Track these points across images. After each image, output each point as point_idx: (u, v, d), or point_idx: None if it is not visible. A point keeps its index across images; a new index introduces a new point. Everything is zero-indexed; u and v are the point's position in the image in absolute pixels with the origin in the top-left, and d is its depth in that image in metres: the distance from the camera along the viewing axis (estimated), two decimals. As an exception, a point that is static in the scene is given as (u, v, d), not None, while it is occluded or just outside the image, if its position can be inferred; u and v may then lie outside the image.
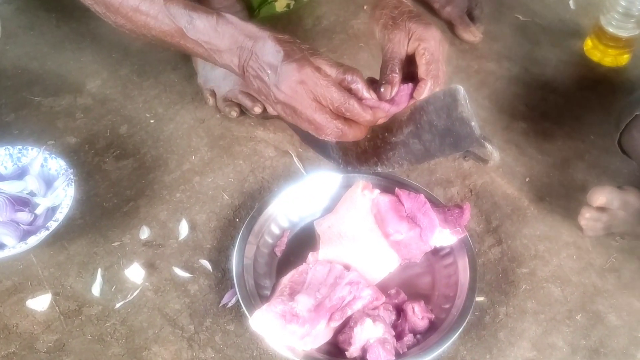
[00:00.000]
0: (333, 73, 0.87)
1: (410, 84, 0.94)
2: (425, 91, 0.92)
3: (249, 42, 0.88)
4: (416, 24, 0.94)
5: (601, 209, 1.02)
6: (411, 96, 0.94)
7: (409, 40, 0.94)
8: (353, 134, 0.89)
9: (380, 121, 0.92)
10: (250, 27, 0.89)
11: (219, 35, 0.90)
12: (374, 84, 0.96)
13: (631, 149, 1.05)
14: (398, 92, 0.93)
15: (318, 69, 0.85)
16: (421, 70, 0.94)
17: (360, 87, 0.88)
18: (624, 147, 1.06)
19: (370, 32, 1.36)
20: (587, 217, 1.04)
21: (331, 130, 0.87)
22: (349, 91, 0.87)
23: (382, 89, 0.92)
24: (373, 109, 0.88)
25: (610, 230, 1.06)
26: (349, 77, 0.87)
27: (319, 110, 0.86)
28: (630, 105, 1.03)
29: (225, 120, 1.20)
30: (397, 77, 0.93)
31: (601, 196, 1.01)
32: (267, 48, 0.87)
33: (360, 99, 0.87)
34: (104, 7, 0.93)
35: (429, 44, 0.93)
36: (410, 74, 0.96)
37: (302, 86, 0.85)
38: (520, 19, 1.47)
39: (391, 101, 0.92)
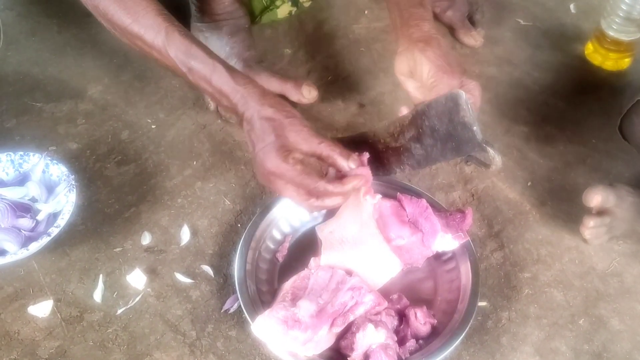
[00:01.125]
0: (307, 147, 0.87)
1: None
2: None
3: (241, 107, 0.89)
4: (468, 78, 0.93)
5: (601, 212, 1.02)
6: None
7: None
8: (332, 204, 0.89)
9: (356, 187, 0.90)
10: (242, 92, 0.88)
11: (217, 90, 0.90)
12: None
13: (630, 134, 1.04)
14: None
15: (286, 158, 0.85)
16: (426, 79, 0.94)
17: (338, 162, 0.88)
18: (623, 132, 1.06)
19: (371, 36, 1.38)
20: (591, 226, 1.03)
21: (307, 206, 0.89)
22: (327, 161, 0.88)
23: None
24: (350, 181, 0.87)
25: (612, 233, 1.05)
26: (324, 154, 0.87)
27: (293, 192, 0.87)
28: (633, 90, 1.02)
29: (226, 125, 1.20)
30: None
31: (596, 195, 1.01)
32: (252, 123, 0.88)
33: (338, 170, 0.89)
34: (110, 25, 0.93)
35: (476, 99, 0.92)
36: None
37: (273, 175, 0.86)
38: (521, 23, 1.47)
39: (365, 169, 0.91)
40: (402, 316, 0.94)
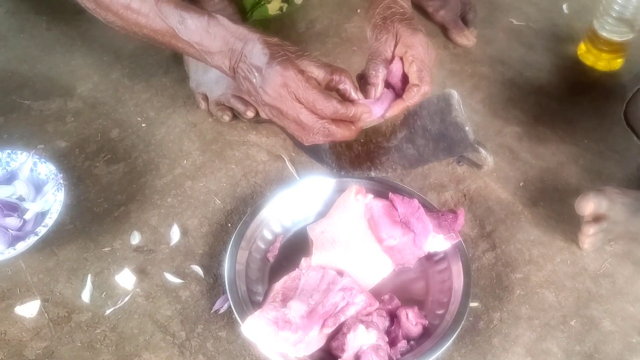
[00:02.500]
0: (320, 74, 0.87)
1: (391, 91, 0.94)
2: (416, 95, 0.92)
3: (239, 43, 0.89)
4: (405, 27, 0.94)
5: (596, 218, 1.01)
6: (394, 99, 0.94)
7: (396, 43, 0.94)
8: (341, 134, 0.88)
9: (368, 121, 0.91)
10: (241, 29, 0.89)
11: (210, 37, 0.89)
12: (363, 79, 0.95)
13: (635, 119, 1.03)
14: (382, 95, 0.93)
15: (301, 72, 0.85)
16: (412, 77, 0.93)
17: (348, 88, 0.88)
18: (628, 117, 1.05)
19: (363, 34, 1.37)
20: (591, 234, 1.02)
21: (318, 129, 0.87)
22: (337, 92, 0.88)
23: (366, 89, 0.92)
24: (356, 105, 0.87)
25: (608, 237, 1.05)
26: (336, 78, 0.87)
27: (304, 110, 0.86)
28: (637, 76, 1.01)
29: (217, 124, 1.19)
30: (380, 76, 0.92)
31: (589, 203, 1.00)
32: (255, 50, 0.87)
33: (347, 99, 0.88)
34: (94, 4, 0.93)
35: (417, 51, 0.93)
36: (402, 76, 0.95)
37: (285, 89, 0.85)
38: (514, 23, 1.47)
39: (376, 101, 0.91)
40: (394, 317, 0.94)
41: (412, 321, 0.92)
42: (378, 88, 0.92)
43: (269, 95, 0.87)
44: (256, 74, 0.87)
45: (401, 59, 0.94)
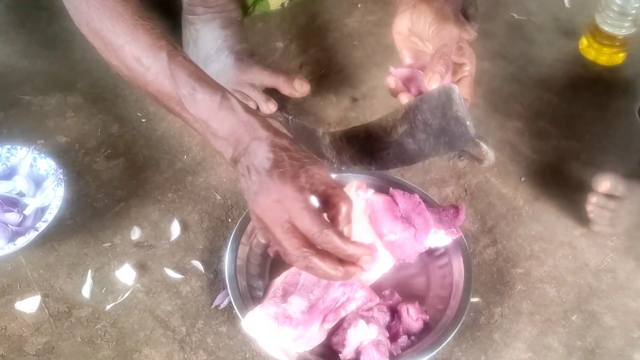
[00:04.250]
0: (322, 185, 0.77)
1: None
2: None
3: (247, 137, 0.80)
4: (467, 44, 0.93)
5: (608, 196, 1.01)
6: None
7: (460, 47, 0.92)
8: (324, 271, 0.75)
9: (364, 270, 0.77)
10: (253, 121, 0.80)
11: (219, 120, 0.81)
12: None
13: None
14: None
15: (301, 190, 0.74)
16: (465, 92, 0.92)
17: (345, 205, 0.76)
18: None
19: (364, 29, 1.36)
20: (594, 202, 1.01)
21: (297, 257, 0.74)
22: (331, 219, 0.76)
23: (427, 79, 0.87)
24: (357, 246, 0.75)
25: (616, 224, 1.04)
26: (340, 207, 0.76)
27: (290, 233, 0.74)
28: None
29: (217, 119, 1.19)
30: (444, 71, 0.88)
31: (605, 181, 0.99)
32: (260, 151, 0.78)
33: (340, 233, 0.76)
34: (102, 43, 0.85)
35: (472, 68, 0.92)
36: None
37: (277, 204, 0.75)
38: (515, 18, 1.46)
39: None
40: (394, 312, 0.93)
41: (412, 316, 0.91)
42: (440, 79, 0.87)
43: (259, 206, 0.77)
44: (254, 178, 0.78)
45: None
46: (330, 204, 0.77)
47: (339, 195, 0.77)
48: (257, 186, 0.77)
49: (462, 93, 0.89)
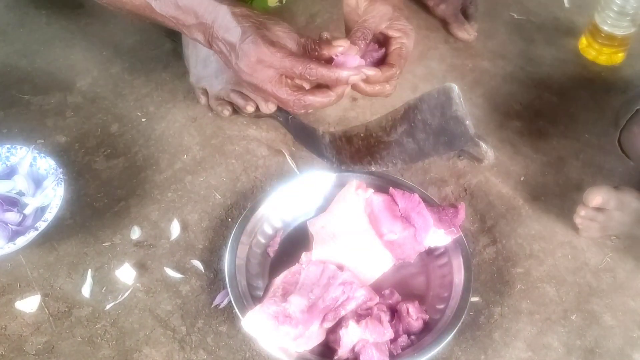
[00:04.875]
0: (292, 44, 0.86)
1: (383, 50, 0.93)
2: (388, 72, 0.91)
3: (209, 17, 0.88)
4: (404, 19, 0.95)
5: (597, 209, 1.02)
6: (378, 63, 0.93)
7: (392, 24, 0.94)
8: (320, 102, 0.86)
9: (350, 80, 0.86)
10: (208, 1, 0.87)
11: (182, 11, 0.89)
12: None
13: (631, 146, 1.03)
14: (365, 54, 0.91)
15: (272, 44, 0.84)
16: (393, 58, 0.93)
17: (325, 51, 0.86)
18: (623, 145, 1.04)
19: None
20: (582, 215, 1.03)
21: (293, 102, 0.86)
22: (314, 57, 0.86)
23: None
24: (340, 68, 0.85)
25: (607, 232, 1.05)
26: (310, 45, 0.86)
27: (279, 84, 0.85)
28: (629, 102, 1.01)
29: (217, 119, 1.19)
30: (363, 44, 0.92)
31: (597, 196, 1.00)
32: (225, 24, 0.86)
33: (321, 62, 0.85)
34: None
35: (409, 42, 0.93)
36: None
37: (259, 65, 0.84)
38: (515, 17, 1.46)
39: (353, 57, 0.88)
40: (394, 311, 0.93)
41: (412, 316, 0.91)
42: (359, 49, 0.90)
43: (245, 72, 0.86)
44: (231, 51, 0.86)
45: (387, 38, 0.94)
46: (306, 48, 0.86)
47: (308, 38, 0.86)
48: (236, 56, 0.85)
49: (391, 58, 0.92)
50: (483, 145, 0.87)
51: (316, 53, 0.86)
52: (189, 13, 0.89)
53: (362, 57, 0.90)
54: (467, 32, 1.38)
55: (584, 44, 1.38)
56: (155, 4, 0.90)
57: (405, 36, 0.93)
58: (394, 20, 0.94)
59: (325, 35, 0.92)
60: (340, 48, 0.86)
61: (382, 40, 0.95)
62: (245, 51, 0.84)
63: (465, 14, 1.40)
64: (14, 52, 1.27)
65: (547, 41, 1.41)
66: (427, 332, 0.91)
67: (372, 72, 0.88)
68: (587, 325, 0.98)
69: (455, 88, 0.85)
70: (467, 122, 0.84)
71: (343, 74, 0.84)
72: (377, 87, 0.91)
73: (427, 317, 0.93)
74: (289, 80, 0.85)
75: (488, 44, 1.39)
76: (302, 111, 0.87)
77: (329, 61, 0.86)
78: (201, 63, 1.17)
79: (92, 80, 1.24)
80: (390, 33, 0.94)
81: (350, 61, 0.86)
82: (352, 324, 0.87)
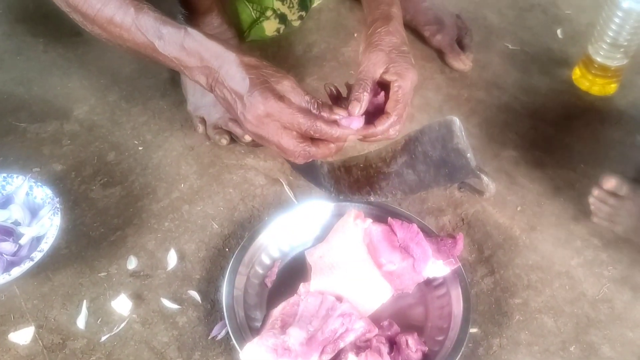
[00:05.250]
0: (298, 100, 0.87)
1: (382, 93, 0.94)
2: (385, 125, 0.92)
3: (215, 62, 0.89)
4: (401, 59, 0.95)
5: (611, 193, 1.04)
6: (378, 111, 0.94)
7: (389, 69, 0.94)
8: (322, 153, 0.90)
9: (350, 138, 0.91)
10: (216, 46, 0.89)
11: (187, 53, 0.90)
12: (340, 99, 0.96)
13: None
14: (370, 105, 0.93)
15: (281, 98, 0.86)
16: (390, 105, 0.93)
17: (326, 114, 0.88)
18: None
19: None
20: (595, 195, 1.05)
21: (298, 152, 0.89)
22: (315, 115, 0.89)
23: (350, 105, 0.92)
24: (342, 128, 0.88)
25: (615, 221, 1.06)
26: (313, 107, 0.88)
27: (286, 136, 0.87)
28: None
29: (215, 147, 1.19)
30: (367, 96, 0.92)
31: (612, 179, 1.03)
32: (232, 73, 0.87)
33: (327, 120, 0.88)
34: (80, 16, 0.93)
35: (405, 84, 0.93)
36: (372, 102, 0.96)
37: (268, 118, 0.86)
38: (509, 48, 1.48)
39: (356, 118, 0.91)
40: (393, 343, 0.93)
41: (412, 348, 0.91)
42: (362, 105, 0.92)
43: (251, 123, 0.88)
44: (237, 99, 0.88)
45: (385, 86, 0.94)
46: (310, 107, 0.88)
47: (312, 101, 0.88)
48: (243, 107, 0.87)
49: (388, 106, 0.93)
50: (484, 178, 0.87)
51: (318, 112, 0.88)
52: (193, 55, 0.89)
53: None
54: (462, 63, 1.39)
55: (578, 75, 1.40)
56: (159, 43, 0.90)
57: (400, 78, 0.93)
58: (390, 63, 0.94)
59: (329, 88, 0.96)
60: (338, 117, 0.89)
61: (385, 84, 0.96)
62: (254, 103, 0.86)
63: (461, 45, 1.42)
64: (11, 79, 1.27)
65: (541, 71, 1.43)
66: (427, 364, 0.91)
67: (368, 130, 0.91)
68: (585, 356, 0.98)
69: (457, 121, 0.85)
70: (469, 154, 0.85)
71: (344, 133, 0.89)
72: (379, 137, 0.93)
73: (426, 348, 0.92)
74: (294, 132, 0.88)
75: (483, 74, 1.41)
76: (304, 161, 0.90)
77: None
78: (199, 92, 1.18)
79: (89, 108, 1.24)
80: (387, 77, 0.94)
81: (352, 122, 0.90)
82: (351, 356, 0.86)
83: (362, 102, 0.92)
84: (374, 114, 0.92)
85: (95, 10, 0.91)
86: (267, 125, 0.87)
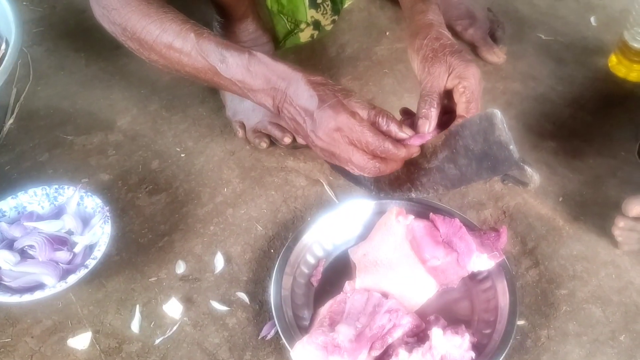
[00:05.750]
0: (365, 115, 0.88)
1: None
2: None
3: (282, 83, 0.89)
4: (457, 60, 0.94)
5: (637, 219, 1.00)
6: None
7: (449, 75, 0.94)
8: (390, 168, 0.91)
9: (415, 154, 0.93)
10: (283, 68, 0.90)
11: (252, 75, 0.90)
12: (408, 115, 0.96)
13: None
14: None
15: (353, 114, 0.86)
16: (460, 108, 0.93)
17: (394, 129, 0.89)
18: None
19: (393, 57, 1.38)
20: (621, 227, 1.02)
21: (369, 169, 0.89)
22: (382, 132, 0.89)
23: (419, 122, 0.93)
24: (407, 146, 0.90)
25: None
26: (381, 120, 0.89)
27: (357, 152, 0.88)
28: None
29: (255, 151, 1.21)
30: (434, 111, 0.93)
31: (637, 205, 0.99)
32: (301, 91, 0.88)
33: (394, 139, 0.89)
34: (137, 44, 0.95)
35: (469, 83, 0.93)
36: (445, 107, 0.96)
37: (338, 133, 0.87)
38: (543, 38, 1.47)
39: (424, 135, 0.93)
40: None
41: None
42: (432, 123, 0.92)
43: (322, 140, 0.89)
44: (306, 118, 0.88)
45: (451, 90, 0.95)
46: (376, 124, 0.88)
47: (380, 112, 0.88)
48: (313, 124, 0.87)
49: (459, 109, 0.93)
50: (528, 169, 0.87)
51: (385, 130, 0.89)
52: (259, 77, 0.90)
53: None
54: (496, 55, 1.39)
55: (614, 62, 1.38)
56: (222, 67, 0.91)
57: (463, 79, 0.93)
58: (450, 70, 0.94)
59: (402, 111, 0.98)
60: (405, 136, 0.90)
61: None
62: (324, 117, 0.86)
63: (494, 37, 1.41)
64: (56, 94, 1.31)
65: (576, 60, 1.41)
66: (475, 357, 0.91)
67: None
68: (636, 345, 0.97)
69: (498, 114, 0.85)
70: (511, 146, 0.84)
71: (411, 153, 0.91)
72: None
73: (474, 339, 0.92)
74: (363, 149, 0.88)
75: (518, 66, 1.40)
76: (374, 175, 0.92)
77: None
78: (237, 97, 1.19)
79: (132, 118, 1.27)
80: (450, 85, 0.95)
81: (421, 140, 0.92)
82: (402, 352, 0.87)
83: (430, 119, 0.92)
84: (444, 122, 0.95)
85: (154, 36, 0.92)
86: (337, 141, 0.87)
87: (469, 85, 0.93)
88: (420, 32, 0.99)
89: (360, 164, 0.89)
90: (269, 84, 0.90)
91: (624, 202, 1.01)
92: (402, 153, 0.89)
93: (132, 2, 0.94)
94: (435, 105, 0.93)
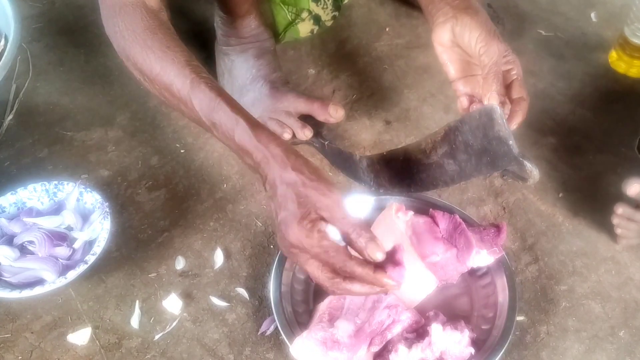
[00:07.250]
0: (333, 220, 0.76)
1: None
2: (525, 107, 0.93)
3: (264, 167, 0.81)
4: (508, 50, 0.93)
5: (637, 206, 0.99)
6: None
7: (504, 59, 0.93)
8: (356, 292, 0.77)
9: (390, 291, 0.80)
10: (264, 152, 0.80)
11: (238, 147, 0.84)
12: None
13: None
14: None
15: (310, 230, 0.75)
16: (516, 91, 0.93)
17: (366, 250, 0.75)
18: None
19: (393, 53, 1.38)
20: (619, 213, 1.00)
21: (331, 286, 0.78)
22: (353, 245, 0.76)
23: (485, 98, 0.90)
24: (378, 274, 0.75)
25: None
26: (353, 234, 0.76)
27: (317, 268, 0.77)
28: None
29: (254, 147, 1.21)
30: (502, 88, 0.91)
31: (636, 184, 0.97)
32: (274, 189, 0.79)
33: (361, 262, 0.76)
34: (140, 74, 0.91)
35: (519, 70, 0.93)
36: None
37: (294, 249, 0.77)
38: (543, 34, 1.46)
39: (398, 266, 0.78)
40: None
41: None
42: (501, 91, 0.91)
43: (281, 247, 0.81)
44: (274, 214, 0.80)
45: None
46: (349, 239, 0.76)
47: (352, 228, 0.76)
48: (277, 229, 0.79)
49: (515, 94, 0.91)
50: (528, 165, 0.87)
51: (355, 246, 0.76)
52: (245, 153, 0.83)
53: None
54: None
55: (614, 58, 1.38)
56: (213, 130, 0.85)
57: (515, 66, 0.93)
58: (506, 55, 0.93)
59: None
60: (378, 258, 0.75)
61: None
62: (283, 230, 0.77)
63: (494, 34, 1.41)
64: (56, 90, 1.31)
65: (576, 56, 1.41)
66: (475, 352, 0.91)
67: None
68: (635, 341, 0.97)
69: (498, 108, 0.85)
70: (511, 142, 0.84)
71: (384, 282, 0.75)
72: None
73: (474, 335, 0.92)
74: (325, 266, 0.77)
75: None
76: (337, 295, 0.82)
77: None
78: (237, 92, 1.20)
79: (131, 114, 1.27)
80: (504, 67, 0.94)
81: (399, 275, 0.77)
82: (401, 347, 0.87)
83: (499, 92, 0.91)
84: None
85: (154, 74, 0.87)
86: (295, 255, 0.78)
87: (519, 72, 0.93)
88: (475, 9, 0.95)
89: (320, 280, 0.78)
90: (254, 162, 0.82)
91: (623, 182, 0.99)
92: (368, 276, 0.74)
93: (137, 29, 0.89)
94: (501, 82, 0.91)
